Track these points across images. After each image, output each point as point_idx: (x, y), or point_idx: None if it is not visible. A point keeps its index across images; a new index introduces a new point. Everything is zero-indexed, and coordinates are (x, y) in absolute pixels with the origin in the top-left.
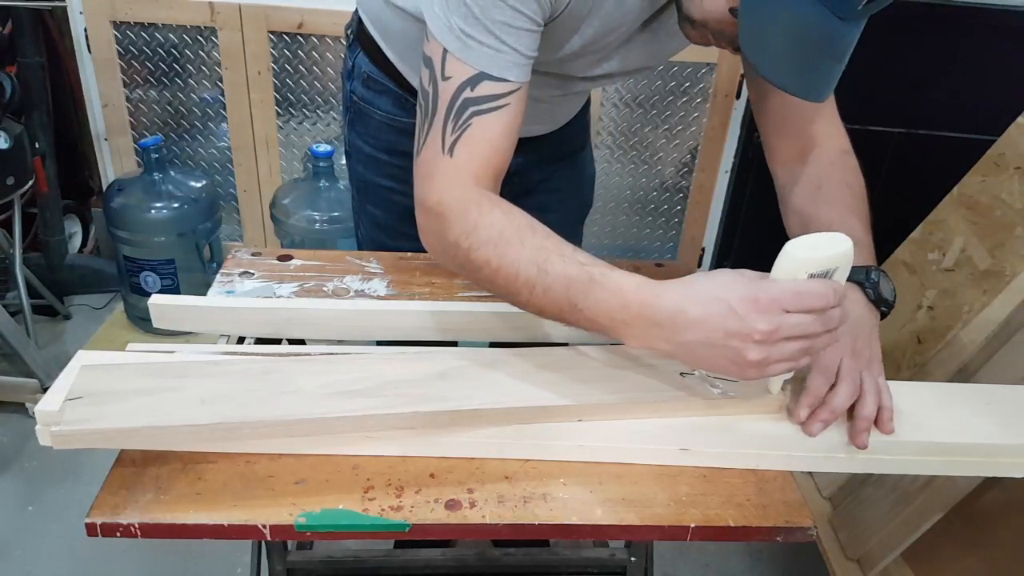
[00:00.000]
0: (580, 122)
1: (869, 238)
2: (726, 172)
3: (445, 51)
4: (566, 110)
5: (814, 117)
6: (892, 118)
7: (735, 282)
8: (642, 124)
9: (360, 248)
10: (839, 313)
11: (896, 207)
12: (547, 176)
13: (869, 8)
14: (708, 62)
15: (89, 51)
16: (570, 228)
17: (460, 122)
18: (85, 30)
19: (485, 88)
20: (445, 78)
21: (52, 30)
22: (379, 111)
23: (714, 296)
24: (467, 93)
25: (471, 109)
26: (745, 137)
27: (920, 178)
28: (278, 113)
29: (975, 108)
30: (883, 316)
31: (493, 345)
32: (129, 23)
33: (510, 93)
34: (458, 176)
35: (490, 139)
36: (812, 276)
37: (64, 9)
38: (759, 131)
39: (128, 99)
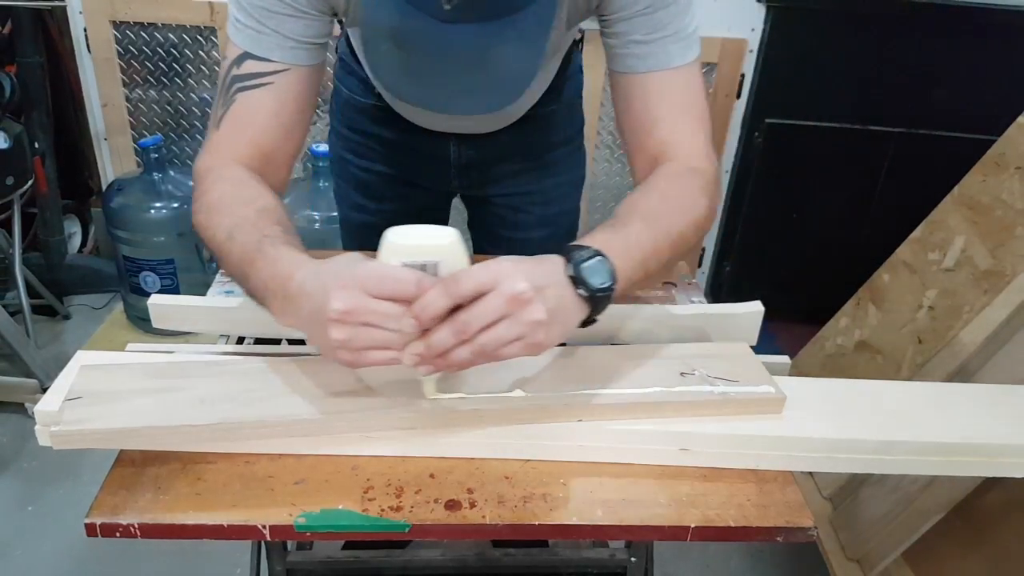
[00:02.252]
0: (549, 122)
1: (649, 247)
2: (726, 172)
3: (227, 35)
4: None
5: (668, 134)
6: (892, 118)
7: (339, 262)
8: None
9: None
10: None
11: (896, 207)
12: (511, 174)
13: (461, 8)
14: (708, 62)
15: (89, 51)
16: (548, 229)
17: (227, 97)
18: (85, 30)
19: (249, 67)
20: (223, 58)
21: (52, 30)
22: (345, 89)
23: (322, 273)
24: (235, 71)
25: (236, 85)
26: (745, 137)
27: (920, 178)
28: None
29: (975, 108)
30: (589, 304)
31: None
32: (129, 23)
33: (274, 73)
34: (217, 148)
35: (251, 115)
36: (407, 265)
37: (64, 9)
38: (621, 141)
39: (128, 99)
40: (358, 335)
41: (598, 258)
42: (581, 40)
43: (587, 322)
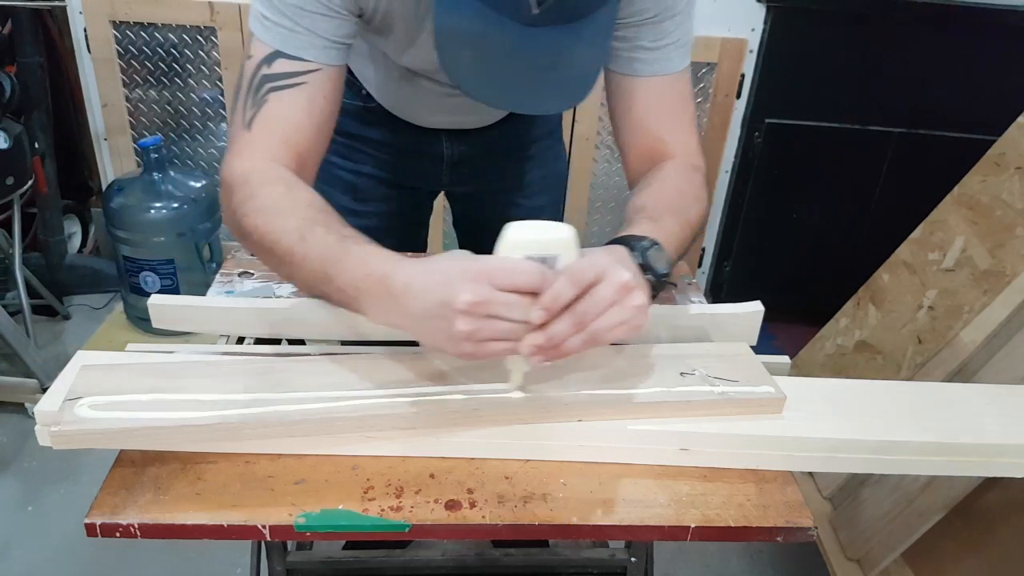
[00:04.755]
0: (533, 115)
1: (679, 239)
2: (726, 172)
3: (252, 34)
4: None
5: (667, 133)
6: (892, 118)
7: (458, 257)
8: None
9: None
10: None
11: (896, 207)
12: (498, 168)
13: (549, 10)
14: (708, 62)
15: (89, 51)
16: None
17: (258, 97)
18: (85, 30)
19: (280, 66)
20: (248, 57)
21: (52, 30)
22: None
23: (437, 269)
24: (264, 70)
25: (268, 85)
26: (745, 137)
27: (920, 178)
28: None
29: (975, 108)
30: (654, 290)
31: None
32: (129, 23)
33: (307, 72)
34: (252, 149)
35: (286, 115)
36: (529, 259)
37: (64, 9)
38: (616, 138)
39: (128, 99)
40: (484, 327)
41: (657, 246)
42: None
43: None
